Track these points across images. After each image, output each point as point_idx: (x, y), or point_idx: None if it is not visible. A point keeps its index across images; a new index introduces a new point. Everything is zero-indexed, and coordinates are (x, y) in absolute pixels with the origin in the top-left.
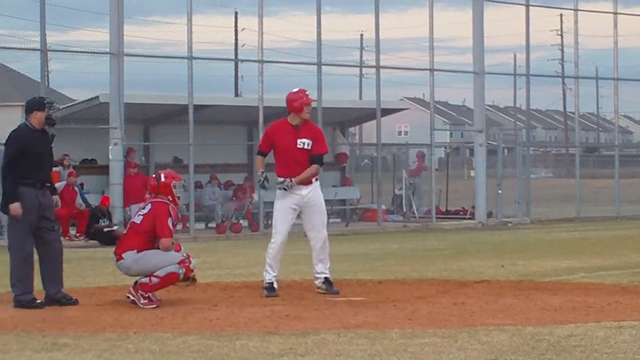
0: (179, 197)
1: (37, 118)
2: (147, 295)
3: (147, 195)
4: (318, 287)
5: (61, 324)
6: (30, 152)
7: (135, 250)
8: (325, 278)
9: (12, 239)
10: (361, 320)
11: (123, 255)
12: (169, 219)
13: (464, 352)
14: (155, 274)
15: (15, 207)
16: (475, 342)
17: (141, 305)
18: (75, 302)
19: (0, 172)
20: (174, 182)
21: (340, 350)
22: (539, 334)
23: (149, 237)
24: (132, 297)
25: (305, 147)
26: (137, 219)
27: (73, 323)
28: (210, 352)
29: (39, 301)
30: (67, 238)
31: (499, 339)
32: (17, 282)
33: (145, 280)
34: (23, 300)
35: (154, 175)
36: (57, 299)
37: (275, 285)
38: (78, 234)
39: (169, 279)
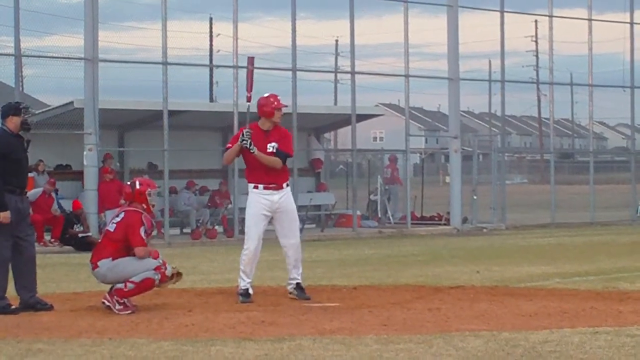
0: (153, 205)
1: (13, 123)
2: (122, 301)
3: (122, 202)
4: (290, 293)
5: (35, 330)
6: (11, 157)
7: (110, 259)
8: (297, 284)
9: None
10: (336, 326)
11: (98, 263)
12: (142, 227)
13: (439, 358)
14: (130, 279)
15: (6, 216)
16: (451, 347)
17: (116, 311)
18: (50, 308)
19: None
20: (149, 189)
21: (316, 356)
22: (514, 340)
23: (123, 245)
24: (107, 303)
25: (274, 150)
26: (111, 227)
27: (47, 329)
28: (185, 358)
29: (13, 307)
30: (42, 244)
31: (474, 344)
32: None
33: (120, 286)
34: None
35: (129, 183)
36: (32, 304)
37: (250, 291)
38: (53, 240)
39: (145, 285)
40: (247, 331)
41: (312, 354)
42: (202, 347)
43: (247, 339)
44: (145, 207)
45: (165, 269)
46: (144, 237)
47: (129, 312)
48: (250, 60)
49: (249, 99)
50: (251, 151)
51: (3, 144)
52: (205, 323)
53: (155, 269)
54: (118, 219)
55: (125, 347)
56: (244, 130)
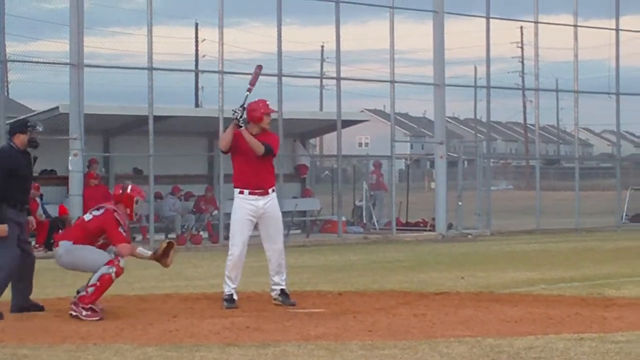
0: (136, 214)
1: (20, 140)
2: (88, 307)
3: (109, 203)
4: (274, 299)
5: (20, 335)
6: (17, 173)
7: (71, 242)
8: (282, 290)
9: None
10: (321, 332)
11: (60, 243)
12: (119, 226)
13: None
14: (89, 284)
15: (3, 229)
16: (436, 353)
17: (84, 318)
18: (42, 308)
19: None
20: (137, 197)
21: None
22: (499, 346)
23: (90, 235)
24: (74, 313)
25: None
26: (87, 217)
27: (32, 334)
28: None
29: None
30: None
31: (458, 350)
32: None
33: (82, 293)
34: None
35: (121, 185)
36: (26, 307)
37: (235, 296)
38: (38, 245)
39: (104, 283)
40: (231, 337)
41: (296, 359)
42: (187, 353)
43: (232, 345)
44: (128, 211)
45: (119, 261)
46: (123, 234)
47: (98, 317)
48: (259, 66)
49: (249, 90)
50: (240, 125)
51: (10, 160)
52: (190, 329)
53: (108, 263)
54: (97, 213)
55: (109, 352)
56: (237, 108)
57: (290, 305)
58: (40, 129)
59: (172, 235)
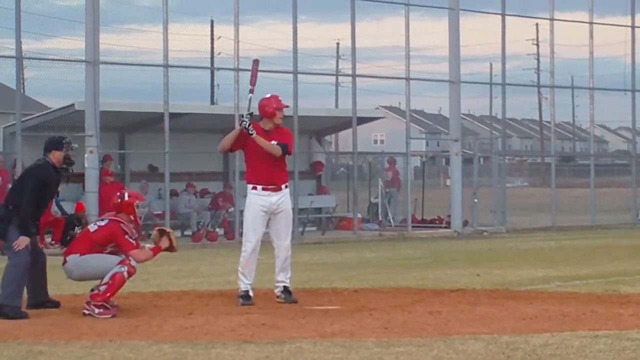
0: (140, 218)
1: (56, 157)
2: (100, 304)
3: (110, 213)
4: (277, 296)
5: (36, 332)
6: (48, 190)
7: (78, 254)
8: (284, 287)
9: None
10: (337, 329)
11: (67, 258)
12: (126, 235)
13: None
14: (102, 282)
15: (25, 241)
16: (451, 350)
17: (97, 316)
18: (58, 304)
19: (9, 200)
20: (137, 202)
21: (317, 358)
22: (515, 343)
23: (97, 245)
24: (87, 312)
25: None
26: (92, 227)
27: (48, 331)
28: None
29: (24, 312)
30: (42, 246)
31: (474, 347)
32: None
33: (95, 291)
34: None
35: (118, 194)
36: (41, 302)
37: (250, 293)
38: (54, 242)
39: (116, 282)
40: (247, 334)
41: (312, 356)
42: (202, 350)
43: (248, 342)
44: (132, 218)
45: (130, 260)
46: (132, 241)
47: (111, 315)
48: (255, 61)
49: (251, 91)
50: (250, 133)
51: (47, 175)
52: (205, 326)
53: (120, 263)
54: (102, 223)
55: (125, 349)
56: (244, 114)
57: (292, 303)
58: (76, 146)
59: (188, 232)
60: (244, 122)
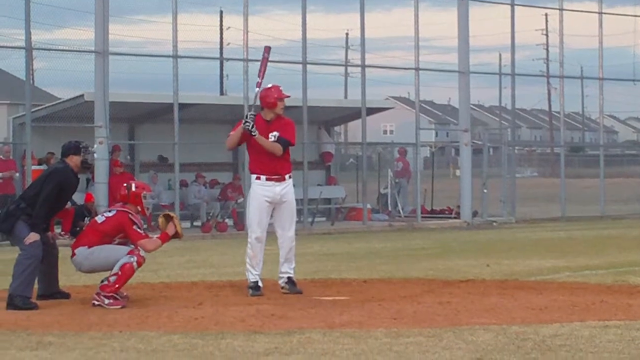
0: (148, 208)
1: (74, 162)
2: (110, 295)
3: (118, 204)
4: (282, 287)
5: (46, 323)
6: (62, 194)
7: (86, 247)
8: (289, 278)
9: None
10: (346, 320)
11: (75, 251)
12: (134, 225)
13: (449, 352)
14: (111, 272)
15: (35, 238)
16: (461, 341)
17: (107, 306)
18: (68, 296)
19: (25, 197)
20: (144, 192)
21: (326, 349)
22: (524, 333)
23: (105, 236)
24: (97, 302)
25: (275, 139)
26: (99, 219)
27: (58, 321)
28: (195, 351)
29: (34, 304)
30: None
31: (484, 338)
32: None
33: (104, 282)
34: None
35: (125, 185)
36: (51, 293)
37: (260, 284)
38: (63, 233)
39: (126, 272)
40: (257, 324)
41: (321, 347)
42: (212, 340)
43: (257, 332)
44: (139, 209)
45: (139, 250)
46: (141, 232)
47: (120, 305)
48: (267, 48)
49: (258, 85)
50: (252, 134)
51: (65, 177)
52: (215, 316)
53: (129, 253)
54: (109, 214)
55: (135, 340)
56: (247, 114)
57: (296, 293)
58: (93, 150)
59: (197, 223)
60: (247, 124)
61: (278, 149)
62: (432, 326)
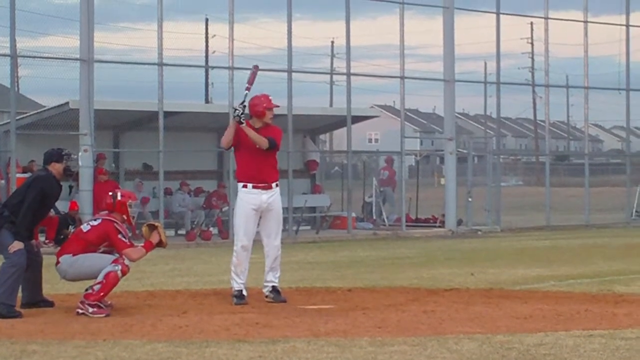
0: (133, 217)
1: (56, 169)
2: (94, 304)
3: (103, 212)
4: (266, 297)
5: (30, 331)
6: (45, 201)
7: (71, 255)
8: (273, 287)
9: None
10: (331, 328)
11: (60, 259)
12: (119, 234)
13: None
14: (96, 281)
15: (19, 246)
16: (445, 350)
17: (91, 315)
18: (52, 304)
19: (8, 205)
20: (130, 201)
21: (310, 358)
22: (509, 343)
23: (90, 245)
24: (81, 311)
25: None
26: (85, 227)
27: (42, 330)
28: None
29: (18, 313)
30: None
31: (468, 347)
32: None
33: (88, 291)
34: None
35: (110, 193)
36: (35, 302)
37: (244, 292)
38: (47, 241)
39: (110, 281)
40: (241, 333)
41: (306, 356)
42: (196, 349)
43: (242, 341)
44: (125, 217)
45: (124, 259)
46: (126, 241)
47: (104, 314)
48: (255, 67)
49: (247, 89)
50: (240, 122)
51: (49, 186)
52: (199, 325)
53: (113, 262)
54: (94, 223)
55: (119, 348)
56: (237, 105)
57: (281, 302)
58: (75, 157)
59: (182, 231)
60: (237, 111)
61: (264, 142)
62: (417, 335)
